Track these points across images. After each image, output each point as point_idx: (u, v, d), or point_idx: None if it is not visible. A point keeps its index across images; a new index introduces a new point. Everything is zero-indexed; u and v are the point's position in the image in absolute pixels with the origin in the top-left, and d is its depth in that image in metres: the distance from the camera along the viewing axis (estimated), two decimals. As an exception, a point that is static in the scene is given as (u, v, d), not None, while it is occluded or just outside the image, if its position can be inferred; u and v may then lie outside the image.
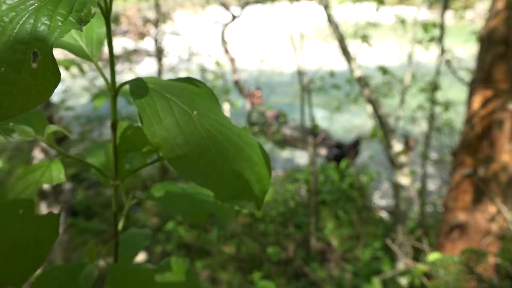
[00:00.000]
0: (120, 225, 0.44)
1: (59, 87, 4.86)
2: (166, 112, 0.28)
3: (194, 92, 0.31)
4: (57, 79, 0.30)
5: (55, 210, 1.57)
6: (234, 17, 6.67)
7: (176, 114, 0.28)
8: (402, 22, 3.64)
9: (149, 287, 0.37)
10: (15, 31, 0.25)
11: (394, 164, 2.10)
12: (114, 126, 0.35)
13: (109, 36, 0.31)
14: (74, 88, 5.25)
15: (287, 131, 5.22)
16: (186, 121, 0.28)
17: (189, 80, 0.32)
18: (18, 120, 0.35)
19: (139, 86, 0.29)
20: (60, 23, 0.27)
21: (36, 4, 0.27)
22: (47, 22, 0.26)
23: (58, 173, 0.36)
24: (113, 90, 0.32)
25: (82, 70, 0.97)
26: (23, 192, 0.34)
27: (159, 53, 3.91)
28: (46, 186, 1.54)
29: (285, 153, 4.45)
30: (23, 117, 0.35)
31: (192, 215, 0.41)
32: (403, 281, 1.75)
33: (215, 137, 0.28)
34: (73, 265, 0.40)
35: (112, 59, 0.33)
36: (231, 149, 0.28)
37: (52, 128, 0.36)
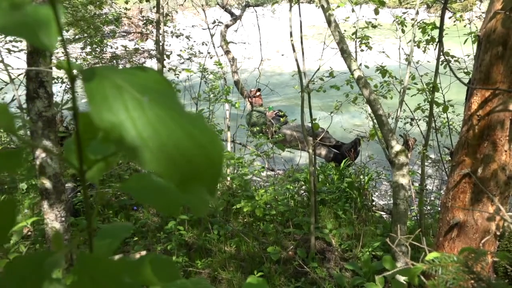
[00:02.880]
0: (93, 216, 0.44)
1: (60, 87, 4.86)
2: (116, 98, 0.28)
3: (146, 78, 0.31)
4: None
5: (58, 209, 1.59)
6: (235, 18, 6.68)
7: (126, 100, 0.28)
8: (402, 23, 3.66)
9: (116, 279, 0.37)
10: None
11: (393, 164, 2.11)
12: (74, 114, 0.34)
13: (58, 22, 0.30)
14: (75, 88, 5.25)
15: (287, 131, 5.23)
16: (136, 107, 0.28)
17: (142, 68, 0.32)
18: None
19: (90, 73, 0.29)
20: None
21: None
22: None
23: (18, 160, 0.36)
24: (69, 76, 0.32)
25: (60, 62, 0.98)
26: None
27: (160, 54, 3.92)
28: (48, 185, 1.56)
29: (285, 153, 4.46)
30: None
31: (165, 206, 0.40)
32: (403, 280, 1.76)
33: (166, 123, 0.28)
34: (40, 253, 0.40)
35: (65, 45, 0.33)
36: (182, 135, 0.28)
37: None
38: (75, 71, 0.33)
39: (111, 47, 5.47)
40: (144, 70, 0.32)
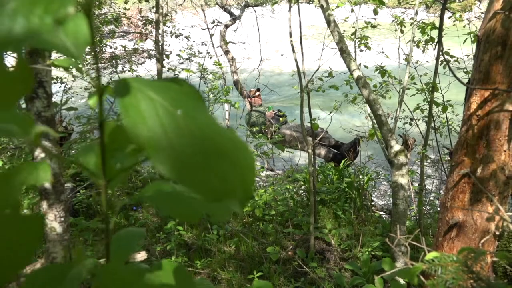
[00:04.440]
0: (111, 225, 0.43)
1: (60, 87, 4.86)
2: (149, 112, 0.28)
3: (179, 91, 0.31)
4: (28, 82, 0.29)
5: (57, 209, 1.58)
6: (234, 18, 6.68)
7: (160, 114, 0.28)
8: (401, 23, 3.66)
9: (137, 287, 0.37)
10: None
11: (392, 164, 2.11)
12: (101, 125, 0.35)
13: (92, 35, 0.31)
14: (75, 88, 5.26)
15: (286, 131, 5.24)
16: (170, 121, 0.28)
17: (174, 80, 0.32)
18: (3, 119, 0.35)
19: (122, 86, 0.29)
20: (35, 25, 0.27)
21: (13, 5, 0.27)
22: (23, 24, 0.27)
23: (44, 174, 0.36)
24: (98, 89, 0.32)
25: (80, 71, 0.98)
26: (8, 192, 0.33)
27: (159, 54, 3.92)
28: (47, 185, 1.56)
29: (285, 153, 4.46)
30: (9, 117, 0.35)
31: (186, 215, 0.40)
32: (402, 280, 1.76)
33: (199, 138, 0.28)
34: (62, 265, 0.39)
35: (96, 58, 0.33)
36: (215, 150, 0.28)
37: (39, 128, 0.36)
38: (105, 83, 0.32)
39: (111, 47, 5.47)
40: (177, 82, 0.32)
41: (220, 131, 0.29)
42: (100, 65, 5.19)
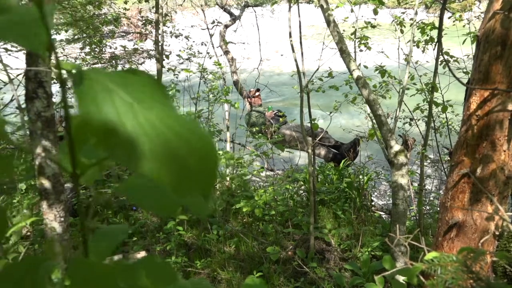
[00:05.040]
0: (89, 218, 0.43)
1: (59, 87, 4.88)
2: (106, 103, 0.27)
3: (139, 83, 0.30)
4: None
5: (57, 209, 1.58)
6: (234, 18, 6.68)
7: (117, 105, 0.27)
8: (400, 23, 3.66)
9: (110, 284, 0.36)
10: None
11: (392, 164, 2.11)
12: (66, 118, 0.34)
13: (46, 25, 0.30)
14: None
15: (286, 131, 5.24)
16: (127, 112, 0.27)
17: (133, 71, 0.32)
18: None
19: (80, 76, 0.29)
20: None
21: None
22: None
23: (8, 166, 0.36)
24: (59, 80, 0.32)
25: (48, 61, 0.98)
26: None
27: (159, 54, 3.92)
28: (47, 185, 1.56)
29: (285, 153, 4.46)
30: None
31: (163, 208, 0.39)
32: (402, 280, 1.76)
33: (158, 128, 0.27)
34: (36, 257, 0.40)
35: (53, 47, 0.32)
36: (175, 140, 0.27)
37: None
38: (64, 74, 0.32)
39: (110, 47, 5.47)
40: (136, 73, 0.31)
41: (180, 121, 0.28)
42: (100, 65, 5.19)
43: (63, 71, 0.33)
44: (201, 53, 4.94)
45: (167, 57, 4.46)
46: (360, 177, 3.73)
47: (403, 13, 3.82)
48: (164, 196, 0.40)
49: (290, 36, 3.17)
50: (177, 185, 0.27)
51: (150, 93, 0.30)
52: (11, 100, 3.19)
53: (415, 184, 3.80)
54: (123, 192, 0.41)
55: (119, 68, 5.38)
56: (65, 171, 0.39)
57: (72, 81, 0.29)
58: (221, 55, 6.11)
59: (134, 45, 5.54)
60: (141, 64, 5.91)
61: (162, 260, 0.45)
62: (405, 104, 3.48)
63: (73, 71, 0.30)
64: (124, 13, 5.45)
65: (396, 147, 2.10)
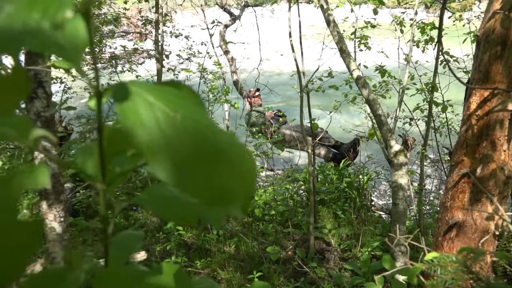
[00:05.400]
0: (110, 229, 0.43)
1: (59, 87, 4.85)
2: (148, 116, 0.28)
3: (178, 95, 0.30)
4: (24, 89, 0.29)
5: (56, 210, 1.58)
6: (234, 18, 6.68)
7: (159, 118, 0.28)
8: (400, 23, 3.66)
9: None
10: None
11: (392, 164, 2.11)
12: (99, 129, 0.34)
13: (90, 37, 0.30)
14: (74, 88, 5.26)
15: (286, 131, 5.24)
16: (169, 125, 0.27)
17: (173, 84, 0.32)
18: (1, 123, 0.34)
19: (121, 90, 0.29)
20: (32, 29, 0.27)
21: (11, 9, 0.27)
22: (20, 28, 0.26)
23: (43, 177, 0.35)
24: (96, 92, 0.32)
25: (81, 72, 0.98)
26: (6, 196, 0.32)
27: (159, 54, 3.92)
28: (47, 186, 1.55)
29: (285, 153, 4.46)
30: (6, 121, 0.35)
31: (181, 218, 0.39)
32: (402, 280, 1.76)
33: (199, 142, 0.27)
34: (60, 268, 0.39)
35: (95, 60, 0.33)
36: (215, 154, 0.27)
37: (37, 132, 0.36)
38: (102, 87, 0.32)
39: (110, 47, 5.47)
40: (176, 86, 0.32)
41: (220, 134, 0.29)
42: (99, 65, 5.19)
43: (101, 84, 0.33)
44: (201, 53, 4.94)
45: (167, 57, 4.46)
46: (360, 177, 3.73)
47: (403, 13, 3.82)
48: (183, 206, 0.40)
49: (290, 36, 3.17)
50: (217, 201, 0.28)
51: (189, 106, 0.30)
52: (11, 100, 3.19)
53: (415, 184, 3.80)
54: (142, 201, 0.41)
55: (119, 68, 5.38)
56: (88, 178, 0.39)
57: (114, 95, 0.29)
58: (221, 55, 6.11)
59: (134, 45, 5.54)
60: (141, 64, 5.91)
61: (180, 267, 0.45)
62: (405, 104, 3.48)
63: (113, 84, 0.30)
64: (124, 13, 5.45)
65: (396, 147, 2.10)
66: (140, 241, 0.52)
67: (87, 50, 0.32)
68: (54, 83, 4.70)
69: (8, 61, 3.33)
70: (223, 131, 0.29)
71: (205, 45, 5.07)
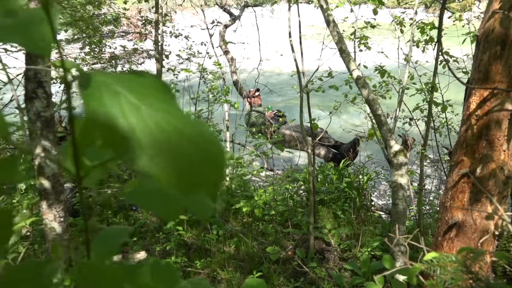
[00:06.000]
0: (93, 223, 0.43)
1: (59, 87, 4.85)
2: (113, 106, 0.28)
3: (144, 84, 0.30)
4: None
5: (56, 210, 1.58)
6: (233, 18, 6.68)
7: (124, 107, 0.28)
8: (400, 23, 3.66)
9: (115, 285, 0.37)
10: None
11: (392, 164, 2.11)
12: (70, 120, 0.34)
13: (52, 27, 0.30)
14: (74, 88, 5.25)
15: (286, 131, 5.24)
16: (135, 114, 0.27)
17: (139, 73, 0.32)
18: None
19: (86, 79, 0.29)
20: None
21: None
22: None
23: (13, 171, 0.36)
24: (64, 83, 0.32)
25: (54, 64, 0.97)
26: None
27: (159, 54, 3.92)
28: (47, 185, 1.56)
29: (284, 153, 4.46)
30: None
31: (166, 211, 0.39)
32: (402, 280, 1.76)
33: (165, 130, 0.27)
34: (40, 261, 0.39)
35: (60, 50, 0.32)
36: (181, 140, 0.27)
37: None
38: (70, 77, 0.32)
39: (110, 47, 5.47)
40: (142, 75, 0.32)
41: (188, 122, 0.28)
42: (99, 65, 5.19)
43: (68, 73, 0.33)
44: (201, 53, 4.94)
45: (167, 57, 4.46)
46: (360, 177, 3.73)
47: (403, 13, 3.82)
48: (167, 199, 0.40)
49: (290, 36, 3.17)
50: (183, 185, 0.27)
51: (156, 94, 0.30)
52: (11, 100, 3.19)
53: (415, 184, 3.80)
54: (125, 196, 0.41)
55: (119, 68, 5.38)
56: (68, 172, 0.39)
57: (78, 84, 0.29)
58: (220, 55, 6.11)
59: (134, 45, 5.54)
60: (141, 64, 5.91)
61: (166, 262, 0.45)
62: (404, 104, 3.48)
63: (79, 73, 0.30)
64: (124, 13, 5.45)
65: (395, 147, 2.10)
66: (126, 235, 0.52)
67: (80, 47, 0.31)
68: (54, 83, 4.70)
69: (7, 60, 3.33)
70: (192, 119, 0.29)
71: (205, 45, 5.07)
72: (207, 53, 4.73)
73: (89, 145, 0.36)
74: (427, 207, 3.80)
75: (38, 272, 0.38)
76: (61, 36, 5.66)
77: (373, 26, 3.70)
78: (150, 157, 0.27)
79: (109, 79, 0.30)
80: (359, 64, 2.94)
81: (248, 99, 5.86)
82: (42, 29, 0.30)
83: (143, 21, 5.37)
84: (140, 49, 5.56)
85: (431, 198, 4.20)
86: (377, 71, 3.55)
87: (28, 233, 2.63)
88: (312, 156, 2.95)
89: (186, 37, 5.42)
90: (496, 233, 1.65)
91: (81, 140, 0.35)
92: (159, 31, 4.05)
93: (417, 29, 3.40)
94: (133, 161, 0.27)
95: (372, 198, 3.99)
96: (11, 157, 0.36)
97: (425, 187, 4.13)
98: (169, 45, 5.59)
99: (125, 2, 5.15)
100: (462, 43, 3.34)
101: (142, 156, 0.27)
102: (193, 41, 5.26)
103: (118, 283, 0.37)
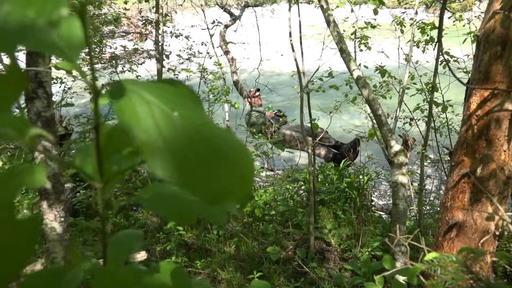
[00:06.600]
0: (109, 227, 0.43)
1: (60, 87, 4.86)
2: (145, 114, 0.27)
3: (175, 93, 0.30)
4: (21, 86, 0.29)
5: (57, 210, 1.58)
6: (234, 18, 6.68)
7: (156, 116, 0.28)
8: (401, 23, 3.66)
9: None
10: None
11: (392, 164, 2.11)
12: (96, 128, 0.34)
13: (86, 37, 0.30)
14: (74, 88, 5.26)
15: (286, 131, 5.24)
16: (166, 123, 0.27)
17: (170, 82, 0.32)
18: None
19: (117, 88, 0.29)
20: (28, 27, 0.27)
21: (7, 8, 0.27)
22: (16, 26, 0.27)
23: (40, 176, 0.36)
24: (93, 91, 0.32)
25: (82, 73, 0.98)
26: (4, 196, 0.32)
27: (159, 54, 3.92)
28: (47, 185, 1.56)
29: (285, 153, 4.46)
30: (4, 119, 0.35)
31: (181, 217, 0.39)
32: (402, 280, 1.76)
33: (196, 139, 0.27)
34: (59, 267, 0.39)
35: (91, 60, 0.32)
36: (213, 151, 0.27)
37: (34, 131, 0.36)
38: (100, 86, 0.32)
39: (110, 47, 5.47)
40: (174, 84, 0.31)
41: (217, 132, 0.29)
42: (100, 65, 5.19)
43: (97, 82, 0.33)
44: (201, 53, 4.94)
45: (167, 57, 4.46)
46: (360, 177, 3.73)
47: (403, 13, 3.82)
48: (182, 205, 0.40)
49: (290, 36, 3.17)
50: (216, 198, 0.28)
51: (187, 103, 0.30)
52: (11, 100, 3.19)
53: (415, 184, 3.79)
54: (140, 202, 0.41)
55: (119, 68, 5.38)
56: (88, 178, 0.39)
57: (110, 93, 0.29)
58: (221, 55, 6.11)
59: (134, 45, 5.54)
60: (141, 64, 5.91)
61: (178, 266, 0.45)
62: (405, 104, 3.48)
63: (111, 82, 0.30)
64: (124, 13, 5.45)
65: (396, 147, 2.10)
66: (139, 240, 0.52)
67: (84, 49, 0.32)
68: (55, 83, 4.70)
69: (8, 60, 3.33)
70: (221, 129, 0.29)
71: (205, 45, 5.07)
72: (208, 53, 4.74)
73: (114, 152, 0.36)
74: (428, 207, 3.80)
75: (58, 278, 0.38)
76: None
77: (373, 26, 3.70)
78: (181, 169, 0.27)
79: (139, 87, 0.30)
80: (360, 64, 2.94)
81: (249, 99, 5.86)
82: (78, 39, 0.31)
83: (144, 21, 5.38)
84: (141, 49, 5.56)
85: (431, 198, 4.19)
86: (377, 71, 3.55)
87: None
88: (312, 156, 2.95)
89: (187, 37, 5.42)
90: (497, 233, 1.65)
91: (106, 147, 0.36)
92: (160, 31, 4.05)
93: (418, 29, 3.40)
94: (164, 172, 0.26)
95: (372, 198, 3.99)
96: (39, 164, 0.36)
97: (426, 187, 4.13)
98: (169, 45, 5.60)
99: (125, 2, 5.16)
100: (463, 43, 3.34)
101: (174, 167, 0.27)
102: (194, 41, 5.26)
103: (131, 287, 0.37)
